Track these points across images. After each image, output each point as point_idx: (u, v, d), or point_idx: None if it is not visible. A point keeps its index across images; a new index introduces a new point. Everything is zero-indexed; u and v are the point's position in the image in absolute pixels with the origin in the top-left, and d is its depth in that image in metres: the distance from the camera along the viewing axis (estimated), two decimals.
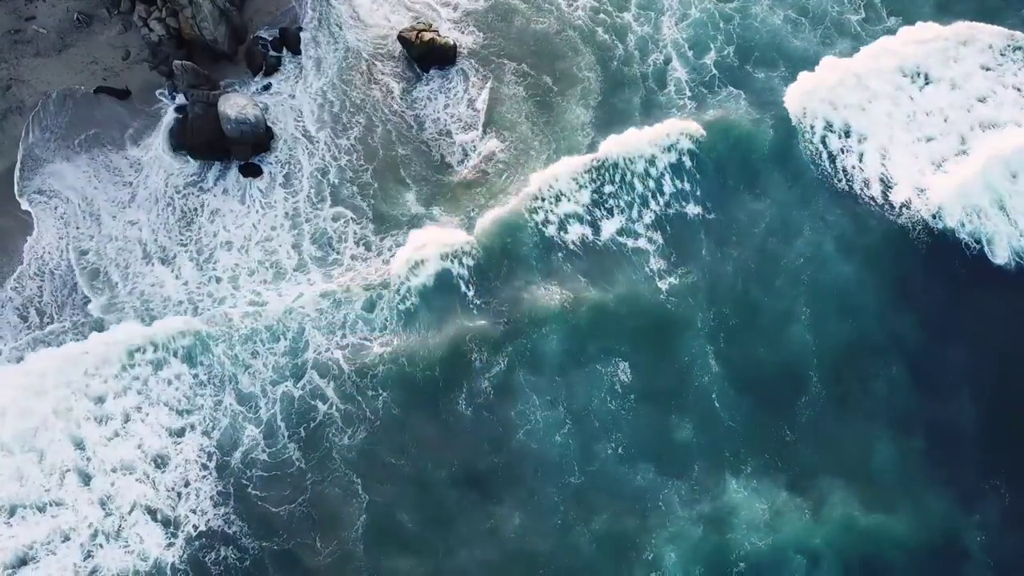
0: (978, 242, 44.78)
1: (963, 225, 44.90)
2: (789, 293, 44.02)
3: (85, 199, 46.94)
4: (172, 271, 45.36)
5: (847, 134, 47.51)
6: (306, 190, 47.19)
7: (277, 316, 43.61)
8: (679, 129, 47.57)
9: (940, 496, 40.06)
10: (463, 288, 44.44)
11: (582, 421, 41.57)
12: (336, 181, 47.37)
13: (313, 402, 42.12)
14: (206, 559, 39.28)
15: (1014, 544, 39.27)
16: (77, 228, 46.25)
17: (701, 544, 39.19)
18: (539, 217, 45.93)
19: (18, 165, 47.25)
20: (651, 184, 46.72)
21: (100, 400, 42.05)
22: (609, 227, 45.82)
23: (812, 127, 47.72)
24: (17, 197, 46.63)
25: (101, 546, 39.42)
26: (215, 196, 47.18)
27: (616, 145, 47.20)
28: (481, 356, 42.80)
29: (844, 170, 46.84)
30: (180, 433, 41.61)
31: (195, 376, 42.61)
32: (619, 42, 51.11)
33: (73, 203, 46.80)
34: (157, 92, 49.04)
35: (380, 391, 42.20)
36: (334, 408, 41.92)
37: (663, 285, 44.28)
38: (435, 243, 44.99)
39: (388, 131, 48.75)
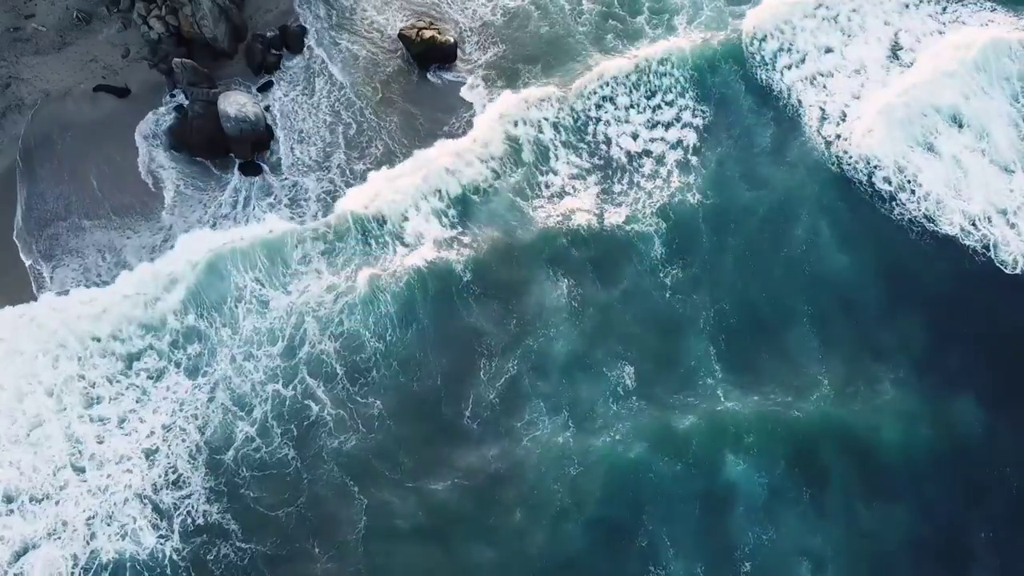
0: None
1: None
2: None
3: (112, 249, 45.64)
4: None
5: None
6: (313, 211, 46.38)
7: (280, 315, 43.20)
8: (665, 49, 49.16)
9: (946, 490, 39.68)
10: (463, 280, 44.13)
11: (583, 416, 41.25)
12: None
13: (306, 402, 41.74)
14: (206, 556, 38.94)
15: (1021, 541, 38.83)
16: (98, 275, 45.18)
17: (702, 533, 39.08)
18: (542, 214, 45.67)
19: (19, 212, 46.25)
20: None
21: (95, 399, 41.85)
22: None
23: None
24: (22, 256, 45.28)
25: (95, 536, 39.28)
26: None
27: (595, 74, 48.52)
28: (483, 356, 42.55)
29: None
30: (174, 430, 41.26)
31: (193, 378, 42.30)
32: (630, 46, 50.62)
33: (92, 258, 45.53)
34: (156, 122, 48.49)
35: (373, 398, 41.79)
36: (326, 411, 41.59)
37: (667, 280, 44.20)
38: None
39: (395, 143, 48.29)
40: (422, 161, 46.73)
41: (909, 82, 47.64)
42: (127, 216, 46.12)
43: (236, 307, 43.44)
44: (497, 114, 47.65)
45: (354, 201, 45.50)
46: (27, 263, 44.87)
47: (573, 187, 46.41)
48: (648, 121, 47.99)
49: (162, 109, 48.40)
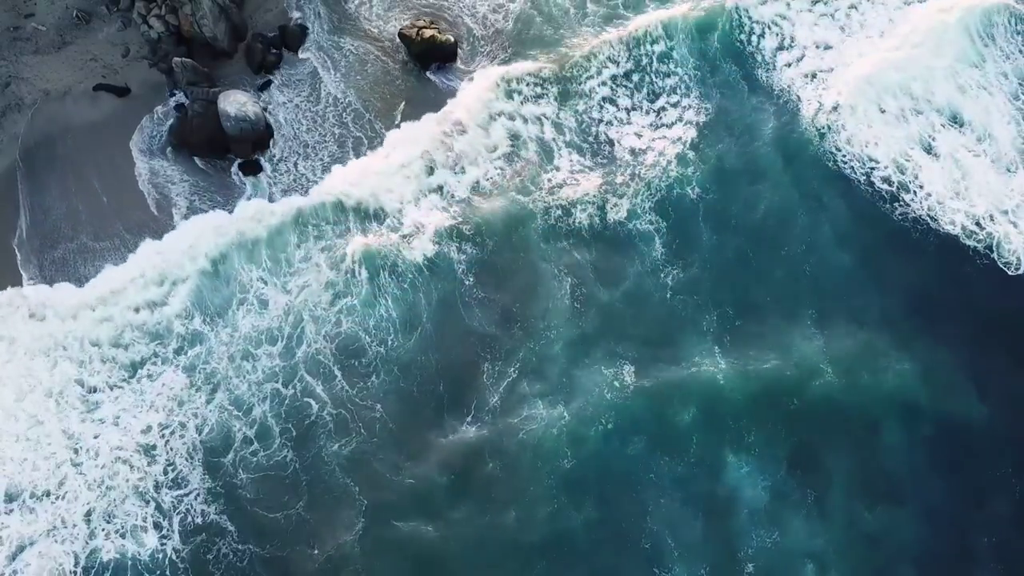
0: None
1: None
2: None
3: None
4: None
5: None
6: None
7: (278, 314, 43.26)
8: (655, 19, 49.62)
9: (948, 491, 39.69)
10: (462, 277, 44.27)
11: (584, 416, 41.23)
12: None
13: (307, 400, 41.86)
14: (206, 556, 39.12)
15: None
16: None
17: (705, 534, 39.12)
18: (545, 210, 45.78)
19: (23, 222, 45.99)
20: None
21: (93, 391, 42.16)
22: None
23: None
24: (20, 269, 44.91)
25: (94, 534, 39.47)
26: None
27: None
28: (483, 356, 42.61)
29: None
30: (173, 430, 41.40)
31: (190, 376, 42.38)
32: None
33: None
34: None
35: (372, 400, 41.88)
36: (326, 411, 41.66)
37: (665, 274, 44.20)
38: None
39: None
40: (413, 141, 47.01)
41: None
42: (141, 235, 45.47)
43: (238, 309, 43.50)
44: (481, 88, 47.96)
45: (352, 180, 45.91)
46: (25, 281, 44.45)
47: (575, 180, 46.37)
48: (652, 124, 47.95)
49: (159, 109, 48.24)
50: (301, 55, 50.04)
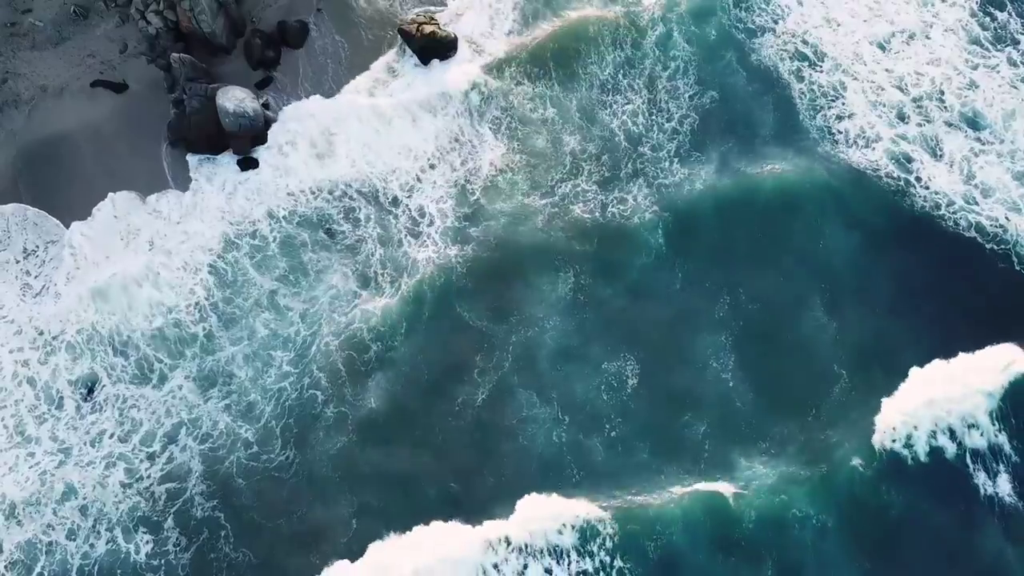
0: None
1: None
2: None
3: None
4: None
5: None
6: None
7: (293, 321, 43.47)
8: None
9: (963, 497, 39.46)
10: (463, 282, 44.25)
11: (585, 418, 41.15)
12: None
13: (311, 398, 41.92)
14: (203, 553, 39.22)
15: None
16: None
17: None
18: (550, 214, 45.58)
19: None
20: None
21: (92, 391, 42.25)
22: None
23: None
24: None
25: (94, 540, 39.42)
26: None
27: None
28: (482, 359, 42.58)
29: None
30: (174, 431, 41.36)
31: (192, 375, 42.41)
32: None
33: None
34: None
35: (376, 394, 41.95)
36: (329, 411, 41.65)
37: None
38: None
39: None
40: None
41: None
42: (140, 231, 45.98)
43: (251, 314, 43.51)
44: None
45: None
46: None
47: (576, 174, 46.25)
48: (650, 109, 47.69)
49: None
50: (299, 53, 49.61)
